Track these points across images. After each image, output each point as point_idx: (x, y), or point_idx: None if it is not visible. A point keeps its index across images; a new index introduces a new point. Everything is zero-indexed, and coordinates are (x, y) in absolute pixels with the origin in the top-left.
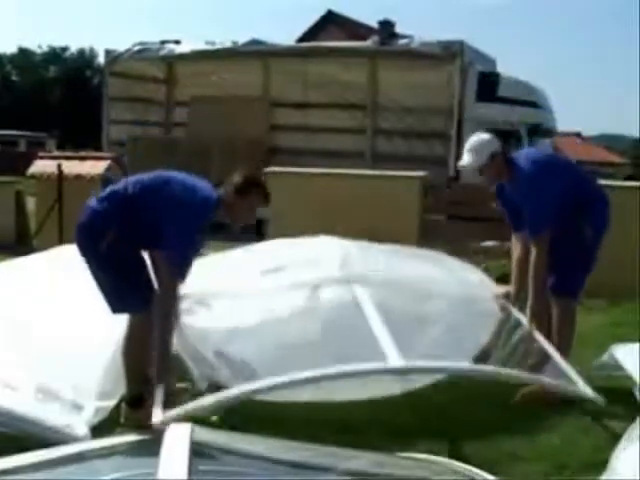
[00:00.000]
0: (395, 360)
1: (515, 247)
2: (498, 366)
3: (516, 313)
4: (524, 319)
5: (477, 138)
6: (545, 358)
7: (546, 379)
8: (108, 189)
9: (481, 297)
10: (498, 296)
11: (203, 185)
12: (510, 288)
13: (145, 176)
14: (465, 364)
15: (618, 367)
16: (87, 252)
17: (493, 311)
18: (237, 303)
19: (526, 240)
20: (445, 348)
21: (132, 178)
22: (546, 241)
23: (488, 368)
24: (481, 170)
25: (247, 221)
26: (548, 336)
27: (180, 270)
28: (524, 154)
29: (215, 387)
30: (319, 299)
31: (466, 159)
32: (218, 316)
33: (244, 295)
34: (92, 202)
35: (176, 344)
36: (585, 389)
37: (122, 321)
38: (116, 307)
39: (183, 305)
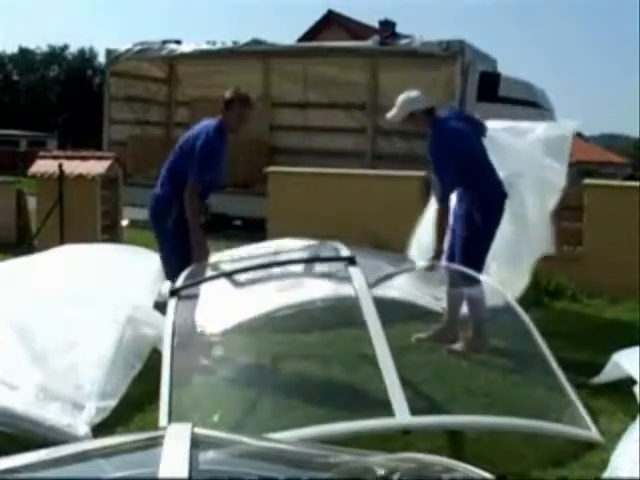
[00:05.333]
0: None
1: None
2: None
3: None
4: None
5: (405, 95)
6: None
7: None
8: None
9: None
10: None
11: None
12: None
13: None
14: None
15: (620, 372)
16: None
17: None
18: None
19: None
20: None
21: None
22: (445, 203)
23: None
24: (403, 122)
25: (241, 128)
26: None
27: (197, 183)
28: (452, 118)
29: None
30: None
31: (391, 112)
32: None
33: None
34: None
35: None
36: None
37: (122, 321)
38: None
39: None
